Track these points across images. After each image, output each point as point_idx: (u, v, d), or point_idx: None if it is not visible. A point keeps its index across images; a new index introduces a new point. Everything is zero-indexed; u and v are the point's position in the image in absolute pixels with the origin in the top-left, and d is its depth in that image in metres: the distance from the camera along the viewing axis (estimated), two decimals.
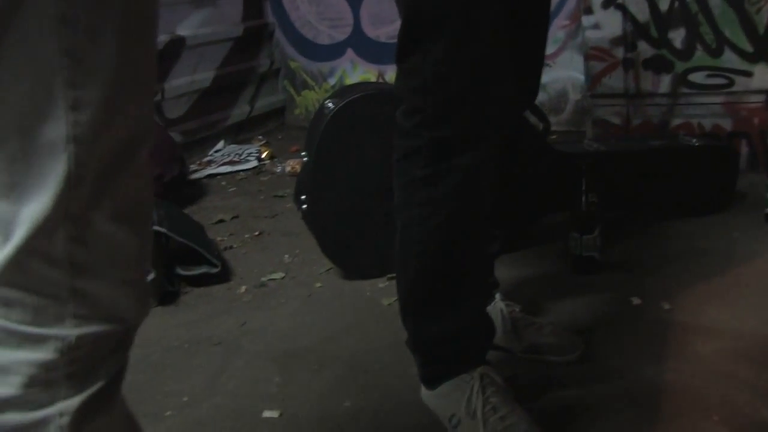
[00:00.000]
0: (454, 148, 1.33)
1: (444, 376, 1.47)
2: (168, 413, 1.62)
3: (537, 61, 1.66)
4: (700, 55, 2.79)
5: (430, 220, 1.38)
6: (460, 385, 1.45)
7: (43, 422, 0.72)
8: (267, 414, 1.59)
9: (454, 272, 1.42)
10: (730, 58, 2.74)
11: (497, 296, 1.75)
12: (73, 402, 0.72)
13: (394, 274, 2.17)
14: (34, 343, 0.71)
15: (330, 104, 2.20)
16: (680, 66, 2.83)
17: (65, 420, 0.72)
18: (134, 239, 0.75)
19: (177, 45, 3.67)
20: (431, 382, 1.50)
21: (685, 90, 2.84)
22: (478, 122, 1.34)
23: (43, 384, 0.71)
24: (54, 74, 0.66)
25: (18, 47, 0.64)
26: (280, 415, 1.59)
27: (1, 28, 0.63)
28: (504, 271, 1.63)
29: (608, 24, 2.90)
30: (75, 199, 0.69)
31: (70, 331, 0.71)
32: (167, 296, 2.18)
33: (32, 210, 0.68)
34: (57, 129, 0.67)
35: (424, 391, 1.53)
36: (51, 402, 0.72)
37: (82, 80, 0.67)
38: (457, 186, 1.35)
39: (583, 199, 2.11)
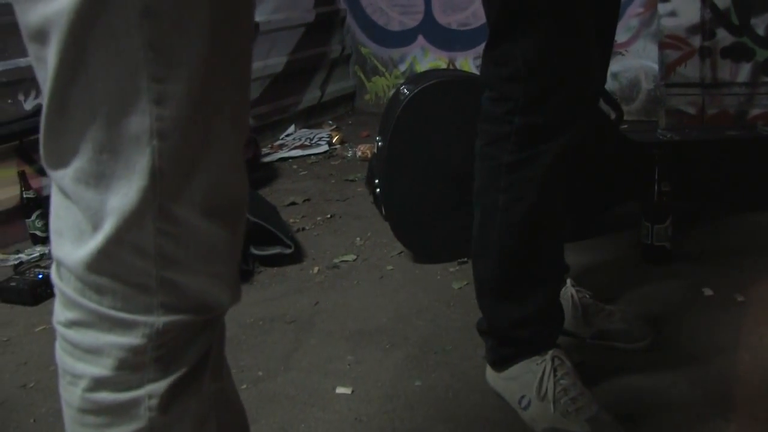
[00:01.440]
0: (543, 135, 1.36)
1: (515, 359, 1.50)
2: (244, 386, 1.68)
3: (607, 47, 1.66)
4: None
5: (516, 205, 1.41)
6: (531, 367, 1.48)
7: (134, 403, 0.74)
8: (340, 390, 1.64)
9: (534, 257, 1.45)
10: None
11: (568, 282, 1.76)
12: (161, 385, 0.74)
13: (464, 259, 2.22)
14: (124, 328, 0.73)
15: (405, 90, 2.23)
16: (762, 54, 2.76)
17: (154, 402, 0.74)
18: (225, 234, 0.75)
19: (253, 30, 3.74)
20: (501, 364, 1.53)
21: (766, 79, 2.77)
22: (568, 110, 1.36)
23: (132, 367, 0.73)
24: (138, 68, 0.66)
25: (105, 40, 0.65)
26: (353, 391, 1.63)
27: (90, 21, 0.64)
28: (575, 257, 1.64)
29: (685, 11, 2.85)
30: (162, 192, 0.69)
31: (158, 318, 0.73)
32: (242, 275, 2.22)
33: (120, 201, 0.69)
34: (141, 123, 0.67)
35: (492, 373, 1.56)
36: (140, 384, 0.74)
37: (166, 74, 0.67)
38: (544, 173, 1.37)
39: (656, 188, 2.09)
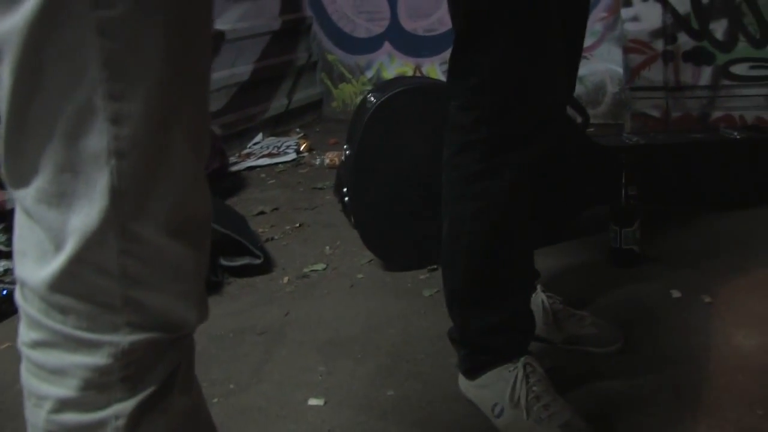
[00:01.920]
0: (511, 144, 1.36)
1: (487, 367, 1.50)
2: (215, 400, 1.66)
3: (576, 53, 1.67)
4: (743, 47, 2.77)
5: (484, 214, 1.41)
6: (503, 375, 1.48)
7: (100, 424, 0.73)
8: (312, 402, 1.62)
9: (504, 265, 1.46)
10: None
11: (538, 288, 1.76)
12: (128, 405, 0.73)
13: (434, 266, 2.22)
14: (89, 348, 0.72)
15: (372, 98, 2.23)
16: (722, 58, 2.81)
17: (121, 422, 0.73)
18: (190, 253, 0.74)
19: (216, 39, 3.71)
20: (473, 372, 1.53)
21: (727, 82, 2.82)
22: (535, 119, 1.36)
23: (98, 387, 0.72)
24: (94, 86, 0.65)
25: (59, 58, 0.64)
26: (325, 402, 1.62)
27: (43, 39, 0.63)
28: (544, 263, 1.65)
29: (647, 16, 2.89)
30: (123, 213, 0.68)
31: (124, 337, 0.72)
32: (211, 286, 2.22)
33: (81, 221, 0.68)
34: (99, 142, 0.66)
35: (465, 382, 1.56)
36: (107, 404, 0.73)
37: (122, 93, 0.66)
38: (513, 181, 1.38)
39: (623, 192, 2.11)
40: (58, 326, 0.72)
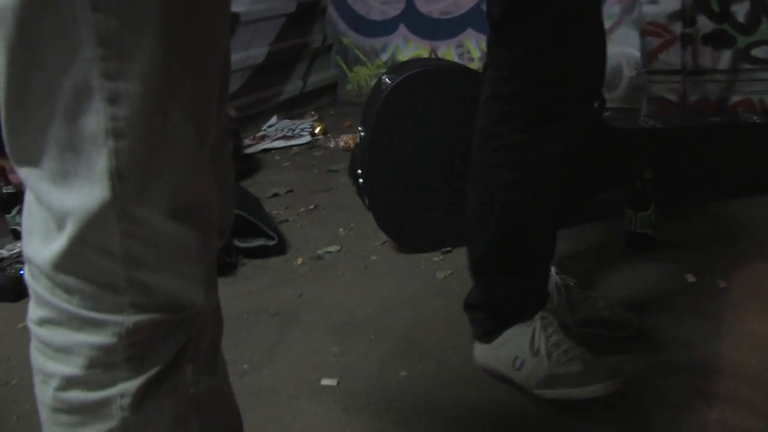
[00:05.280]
0: (555, 117, 1.38)
1: (504, 327, 1.54)
2: (229, 380, 1.67)
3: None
4: (765, 29, 2.73)
5: (522, 184, 1.44)
6: (521, 330, 1.53)
7: (106, 402, 0.73)
8: (325, 382, 1.63)
9: (534, 235, 1.50)
10: None
11: (552, 269, 1.76)
12: (133, 384, 0.73)
13: (448, 248, 2.22)
14: (94, 327, 0.72)
15: (387, 80, 2.22)
16: (743, 41, 2.77)
17: (126, 401, 0.73)
18: (194, 236, 0.73)
19: (231, 21, 3.70)
20: (491, 334, 1.56)
21: (747, 66, 2.79)
22: (579, 91, 1.39)
23: (103, 366, 0.73)
24: (90, 64, 0.64)
25: (54, 36, 0.63)
26: (338, 383, 1.63)
27: (36, 15, 0.63)
28: (560, 245, 1.64)
29: None
30: (122, 195, 0.68)
31: (128, 317, 0.72)
32: (225, 267, 2.23)
33: (81, 201, 0.68)
34: (96, 122, 0.65)
35: (481, 348, 1.59)
36: (112, 383, 0.73)
37: (119, 71, 0.64)
38: (554, 154, 1.40)
39: (638, 176, 2.10)
40: (64, 305, 0.72)
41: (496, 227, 1.49)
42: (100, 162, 0.66)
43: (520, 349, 1.50)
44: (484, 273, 1.56)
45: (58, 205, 0.69)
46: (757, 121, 2.48)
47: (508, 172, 1.44)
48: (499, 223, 1.48)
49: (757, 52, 2.76)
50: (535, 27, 1.34)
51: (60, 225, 0.69)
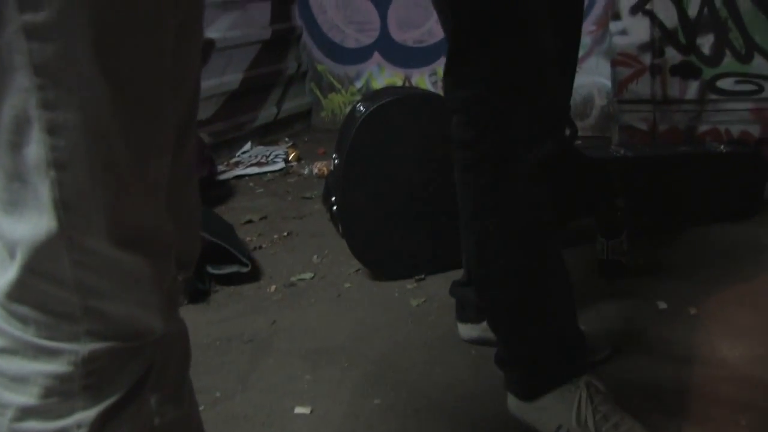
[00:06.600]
0: (516, 153, 1.35)
1: (546, 388, 1.44)
2: (201, 408, 1.64)
3: (572, 63, 1.68)
4: (729, 62, 2.79)
5: (504, 227, 1.39)
6: (564, 396, 1.42)
7: None
8: (298, 410, 1.62)
9: (542, 271, 1.42)
10: (759, 64, 2.75)
11: None
12: (90, 413, 0.72)
13: (422, 276, 2.22)
14: (49, 356, 0.71)
15: (361, 107, 2.23)
16: (708, 72, 2.83)
17: (83, 431, 0.72)
18: (147, 263, 0.73)
19: (206, 47, 3.72)
20: (531, 394, 1.46)
21: (713, 96, 2.84)
22: (537, 124, 1.35)
23: (60, 395, 0.72)
24: (28, 94, 0.63)
25: None
26: (311, 411, 1.61)
27: None
28: None
29: (636, 30, 2.90)
30: (69, 225, 0.67)
31: (84, 346, 0.71)
32: (198, 294, 2.22)
33: (30, 231, 0.67)
34: (37, 152, 0.65)
35: (519, 404, 1.47)
36: (69, 413, 0.72)
37: (56, 102, 0.63)
38: (524, 190, 1.36)
39: (610, 204, 2.12)
40: (18, 333, 0.71)
41: (503, 273, 1.42)
42: (45, 192, 0.66)
43: (564, 417, 1.39)
44: (505, 323, 1.46)
45: (9, 234, 0.68)
46: (724, 151, 2.52)
47: (487, 218, 1.39)
48: (504, 269, 1.41)
49: (722, 84, 2.82)
50: (480, 67, 1.32)
51: (11, 254, 0.69)
